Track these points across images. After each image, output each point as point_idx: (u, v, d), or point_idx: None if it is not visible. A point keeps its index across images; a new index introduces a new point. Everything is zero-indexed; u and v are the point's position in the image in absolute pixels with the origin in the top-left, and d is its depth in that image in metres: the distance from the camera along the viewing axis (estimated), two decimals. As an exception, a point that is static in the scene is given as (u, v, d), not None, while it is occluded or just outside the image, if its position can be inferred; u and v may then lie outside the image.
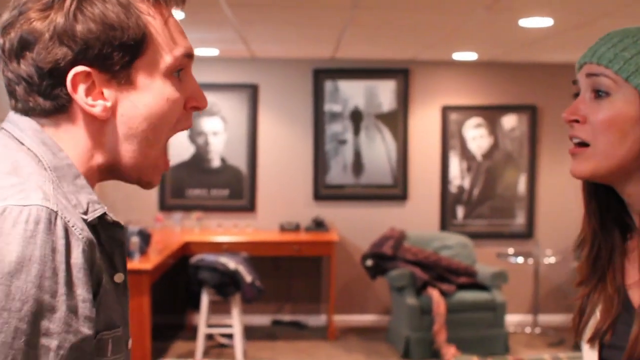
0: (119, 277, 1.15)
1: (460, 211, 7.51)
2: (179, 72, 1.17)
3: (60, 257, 0.99)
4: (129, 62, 1.11)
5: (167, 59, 1.14)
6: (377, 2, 4.53)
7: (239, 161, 7.30)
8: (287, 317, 7.39)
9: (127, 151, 1.15)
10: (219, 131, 7.32)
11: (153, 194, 7.31)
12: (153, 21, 1.13)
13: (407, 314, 6.33)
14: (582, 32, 5.17)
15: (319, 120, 7.37)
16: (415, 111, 7.46)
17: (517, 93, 7.41)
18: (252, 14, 5.01)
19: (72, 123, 1.13)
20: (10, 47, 1.10)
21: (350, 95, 7.38)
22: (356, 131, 7.41)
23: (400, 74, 7.40)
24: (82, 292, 1.01)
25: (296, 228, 7.27)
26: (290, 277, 7.41)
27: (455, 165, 7.48)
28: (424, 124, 7.47)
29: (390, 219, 7.38)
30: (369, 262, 6.73)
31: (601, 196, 1.40)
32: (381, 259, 6.71)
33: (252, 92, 7.29)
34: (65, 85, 1.09)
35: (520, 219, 7.50)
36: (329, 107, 7.39)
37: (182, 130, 1.21)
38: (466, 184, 7.50)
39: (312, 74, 7.35)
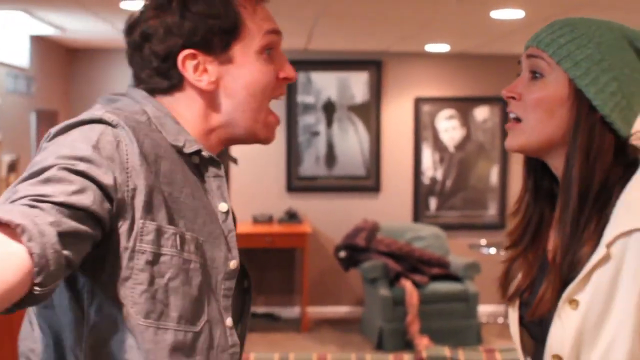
0: (222, 207, 1.42)
1: (433, 202, 7.54)
2: (269, 50, 1.43)
3: (88, 145, 1.24)
4: (227, 44, 1.40)
5: (258, 40, 1.42)
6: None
7: (212, 153, 7.27)
8: (260, 309, 7.37)
9: (238, 115, 1.43)
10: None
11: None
12: (244, 10, 1.41)
13: (380, 305, 6.34)
14: (554, 24, 5.18)
15: (292, 111, 7.35)
16: (388, 103, 7.46)
17: (490, 85, 7.44)
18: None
19: (186, 96, 1.42)
20: (135, 42, 1.41)
21: (323, 87, 7.37)
22: (329, 123, 7.40)
23: (373, 65, 7.39)
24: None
25: (269, 220, 7.25)
26: (263, 269, 7.39)
27: (428, 156, 7.49)
28: (397, 116, 7.48)
29: (363, 210, 7.39)
30: (342, 254, 6.73)
31: (538, 172, 1.55)
32: (354, 251, 6.71)
33: (224, 84, 7.24)
34: (177, 67, 1.39)
35: (492, 210, 7.53)
36: (302, 98, 7.37)
37: (278, 97, 1.48)
38: (439, 175, 7.52)
39: (284, 66, 7.31)
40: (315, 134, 7.39)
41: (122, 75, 7.12)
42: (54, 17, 5.30)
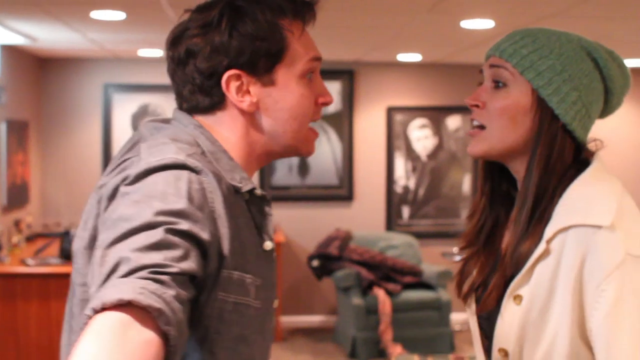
0: (267, 245, 1.41)
1: (405, 211, 7.56)
2: (310, 74, 1.45)
3: (184, 188, 1.23)
4: (271, 66, 1.40)
5: (301, 64, 1.42)
6: (320, 4, 4.52)
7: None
8: (233, 319, 7.33)
9: (279, 135, 1.44)
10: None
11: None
12: (291, 35, 1.42)
13: (353, 314, 6.35)
14: (523, 33, 5.22)
15: (265, 121, 7.33)
16: (360, 112, 7.49)
17: (461, 94, 7.48)
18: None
19: (228, 116, 1.42)
20: (179, 57, 1.41)
21: (295, 96, 7.36)
22: (302, 132, 7.39)
23: (346, 74, 7.42)
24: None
25: (242, 229, 7.22)
26: (236, 278, 7.36)
27: (401, 165, 7.53)
28: (370, 125, 7.50)
29: (336, 219, 7.40)
30: (315, 263, 6.73)
31: (496, 176, 1.62)
32: (327, 260, 6.72)
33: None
34: (220, 86, 1.39)
35: (464, 219, 7.56)
36: (275, 108, 7.35)
37: (315, 120, 1.48)
38: (411, 184, 7.55)
39: (257, 75, 7.31)
40: (288, 143, 7.38)
41: (93, 84, 7.08)
42: (25, 26, 5.27)
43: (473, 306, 1.60)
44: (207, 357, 1.28)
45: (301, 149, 1.48)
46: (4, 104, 6.07)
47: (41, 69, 7.11)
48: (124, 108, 7.12)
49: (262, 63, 1.39)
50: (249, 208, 1.39)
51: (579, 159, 1.50)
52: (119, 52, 6.73)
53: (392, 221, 7.54)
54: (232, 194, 1.35)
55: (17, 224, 6.10)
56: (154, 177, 1.25)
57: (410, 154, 7.53)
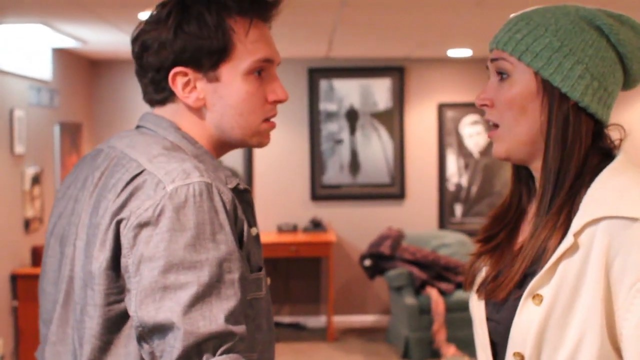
0: (254, 231, 1.50)
1: (458, 209, 7.46)
2: (260, 72, 1.50)
3: (222, 215, 1.35)
4: (215, 64, 1.46)
5: (246, 63, 1.47)
6: (365, 1, 4.48)
7: (235, 163, 7.25)
8: (286, 319, 7.34)
9: (227, 129, 1.51)
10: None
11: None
12: (235, 34, 1.47)
13: (406, 314, 6.28)
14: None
15: (315, 119, 7.33)
16: (411, 109, 7.41)
17: (514, 89, 7.35)
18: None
19: (180, 107, 1.50)
20: (136, 51, 1.50)
21: (345, 94, 7.34)
22: (352, 130, 7.36)
23: (396, 71, 7.35)
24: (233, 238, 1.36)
25: (294, 229, 7.22)
26: (288, 278, 7.37)
27: (453, 162, 7.43)
28: (421, 122, 7.42)
29: (388, 218, 7.33)
30: (367, 262, 6.69)
31: (524, 181, 1.52)
32: (379, 259, 6.66)
33: (247, 93, 7.24)
34: (168, 81, 1.47)
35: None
36: (324, 106, 7.34)
37: (271, 116, 1.54)
38: (464, 181, 7.45)
39: (307, 73, 7.30)
40: (339, 141, 7.36)
41: (144, 86, 7.13)
42: (74, 29, 5.33)
43: (482, 304, 1.48)
44: None
45: (251, 142, 1.54)
46: (57, 106, 6.15)
47: (93, 72, 7.20)
48: (175, 109, 7.16)
49: (206, 60, 1.46)
50: (239, 201, 1.46)
51: (601, 140, 1.41)
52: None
53: (444, 219, 7.45)
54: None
55: (70, 225, 6.17)
56: (187, 212, 1.34)
57: (462, 150, 7.43)
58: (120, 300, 1.37)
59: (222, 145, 1.55)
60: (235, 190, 1.47)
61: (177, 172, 1.36)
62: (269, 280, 1.56)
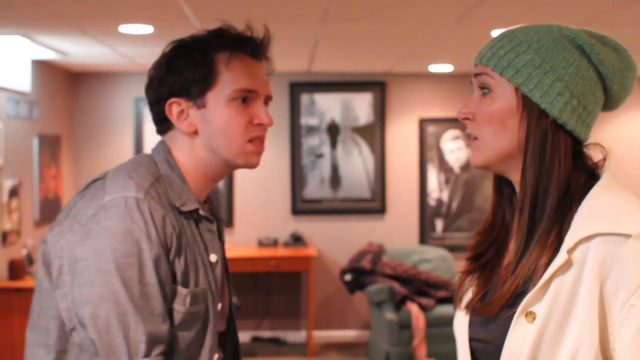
0: (212, 257, 1.73)
1: (439, 224, 7.46)
2: (246, 99, 1.71)
3: (150, 227, 1.59)
4: (202, 91, 1.70)
5: (229, 90, 1.69)
6: (347, 15, 4.49)
7: (216, 176, 7.21)
8: (266, 334, 7.30)
9: (216, 151, 1.72)
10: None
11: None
12: (218, 66, 1.70)
13: (386, 329, 6.26)
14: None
15: (296, 134, 7.31)
16: (392, 124, 7.42)
17: (495, 105, 7.37)
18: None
19: (178, 134, 1.74)
20: (145, 89, 1.77)
21: (326, 109, 7.33)
22: (333, 144, 7.35)
23: (377, 86, 7.35)
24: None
25: (274, 243, 7.19)
26: (268, 292, 7.33)
27: (434, 178, 7.43)
28: (402, 137, 7.43)
29: (368, 232, 7.32)
30: (348, 277, 6.66)
31: (506, 191, 1.53)
32: (360, 274, 6.64)
33: (228, 107, 7.21)
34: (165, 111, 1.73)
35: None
36: (306, 120, 7.33)
37: (257, 138, 1.73)
38: (445, 196, 7.45)
39: (288, 88, 7.30)
40: (320, 156, 7.35)
41: (125, 98, 7.10)
42: (54, 41, 5.29)
43: (466, 325, 1.48)
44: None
45: (237, 161, 1.74)
46: (36, 118, 6.10)
47: (73, 84, 7.15)
48: (156, 122, 7.12)
49: (194, 89, 1.69)
50: (197, 224, 1.72)
51: (583, 159, 1.43)
52: (149, 66, 6.70)
53: (425, 234, 7.44)
54: (181, 213, 1.68)
55: (48, 238, 6.11)
56: (110, 224, 1.60)
57: (443, 165, 7.44)
58: None
59: (214, 168, 1.75)
60: (198, 216, 1.71)
61: (122, 187, 1.63)
62: (219, 307, 1.75)
